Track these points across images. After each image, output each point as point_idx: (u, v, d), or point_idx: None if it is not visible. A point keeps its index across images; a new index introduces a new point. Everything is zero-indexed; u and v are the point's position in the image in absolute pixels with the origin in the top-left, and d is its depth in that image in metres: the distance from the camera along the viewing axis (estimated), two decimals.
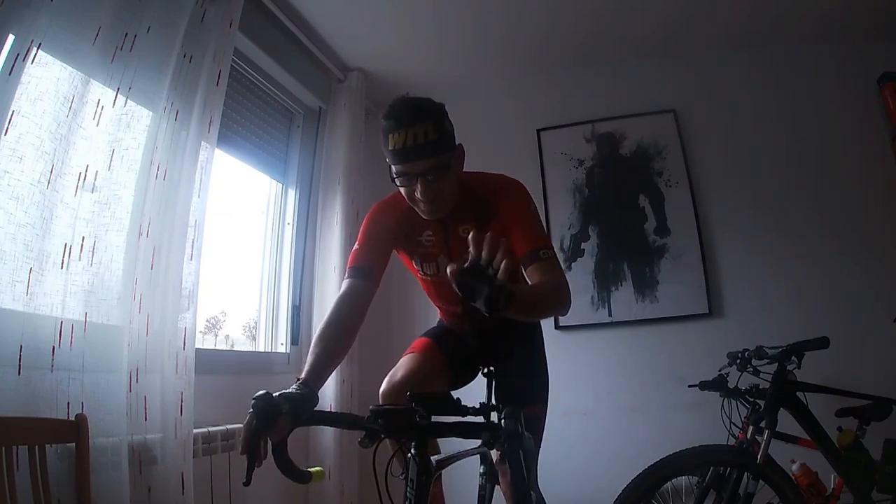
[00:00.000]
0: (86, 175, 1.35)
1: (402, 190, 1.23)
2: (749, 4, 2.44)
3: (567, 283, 1.19)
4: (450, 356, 1.48)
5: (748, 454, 1.78)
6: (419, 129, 1.13)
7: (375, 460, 0.86)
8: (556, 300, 1.15)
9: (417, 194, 1.19)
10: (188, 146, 1.64)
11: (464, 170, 1.30)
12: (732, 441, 1.88)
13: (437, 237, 1.34)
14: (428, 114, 1.16)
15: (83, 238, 1.34)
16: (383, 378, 1.36)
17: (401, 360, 1.43)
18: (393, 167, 1.19)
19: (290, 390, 0.96)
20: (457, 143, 1.24)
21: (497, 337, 1.48)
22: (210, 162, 1.74)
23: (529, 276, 1.20)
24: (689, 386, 2.00)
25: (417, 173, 1.16)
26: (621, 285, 2.62)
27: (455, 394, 0.91)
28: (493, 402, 1.46)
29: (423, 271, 1.41)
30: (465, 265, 0.80)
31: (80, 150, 1.34)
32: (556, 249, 2.82)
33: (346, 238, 2.46)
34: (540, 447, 1.33)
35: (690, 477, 1.96)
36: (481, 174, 1.35)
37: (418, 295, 1.57)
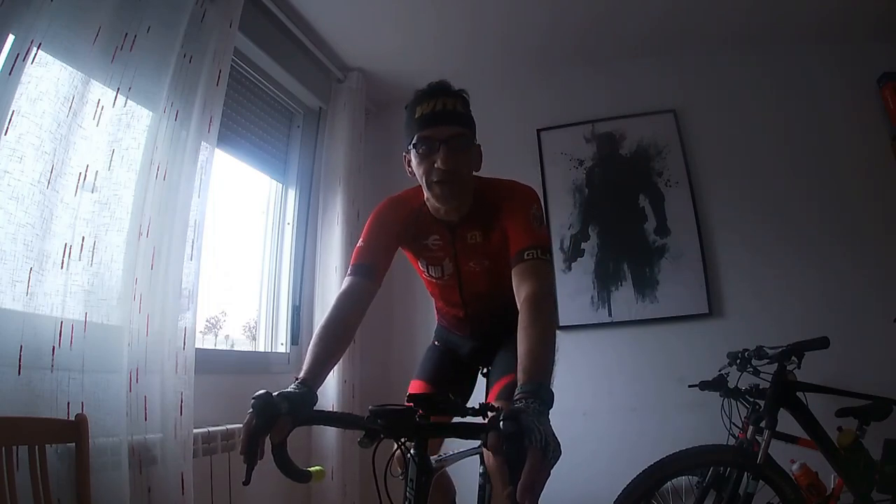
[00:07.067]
0: (86, 175, 1.35)
1: (419, 168, 1.19)
2: (749, 4, 2.44)
3: (546, 289, 1.13)
4: (450, 392, 1.46)
5: (748, 454, 1.78)
6: (448, 100, 1.18)
7: (375, 460, 0.86)
8: (548, 329, 1.10)
9: (437, 164, 1.15)
10: (188, 146, 1.65)
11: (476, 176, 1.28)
12: (732, 441, 1.88)
13: (444, 241, 1.32)
14: (457, 93, 1.21)
15: (83, 238, 1.34)
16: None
17: None
18: (416, 135, 1.17)
19: (289, 390, 0.96)
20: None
21: (495, 335, 1.48)
22: (210, 162, 1.74)
23: (513, 279, 1.15)
24: (689, 386, 2.00)
25: (441, 139, 1.15)
26: (621, 285, 2.62)
27: None
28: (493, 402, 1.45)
29: (428, 273, 1.40)
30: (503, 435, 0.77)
31: (80, 150, 1.35)
32: (556, 249, 2.80)
33: (346, 238, 2.46)
34: None
35: (690, 477, 1.96)
36: (494, 181, 1.32)
37: (420, 295, 1.57)
